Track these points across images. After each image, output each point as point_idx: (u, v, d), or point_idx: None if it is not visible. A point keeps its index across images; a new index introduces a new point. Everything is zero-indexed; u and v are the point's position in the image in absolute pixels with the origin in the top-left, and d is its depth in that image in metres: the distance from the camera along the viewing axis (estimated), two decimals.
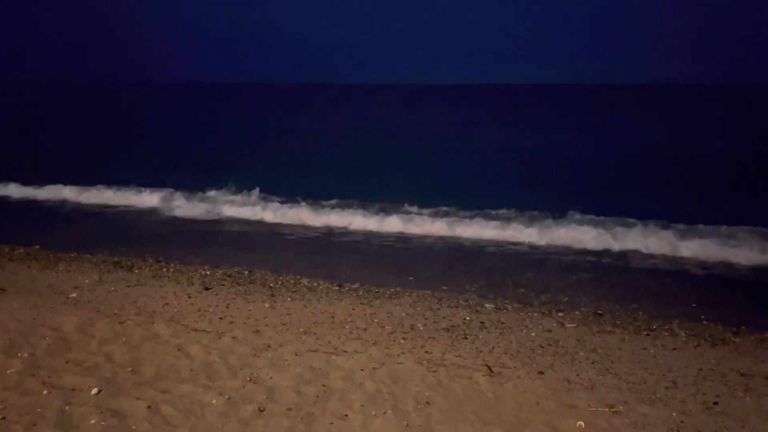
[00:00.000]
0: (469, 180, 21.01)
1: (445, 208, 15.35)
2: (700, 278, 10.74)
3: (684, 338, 7.63)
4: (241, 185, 17.29)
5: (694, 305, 9.09)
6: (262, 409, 4.74)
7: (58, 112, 62.33)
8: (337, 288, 9.51)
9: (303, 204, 15.66)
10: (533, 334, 7.48)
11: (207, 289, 8.95)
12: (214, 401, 4.80)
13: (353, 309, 8.23)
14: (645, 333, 7.78)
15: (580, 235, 12.68)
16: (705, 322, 8.37)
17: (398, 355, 6.24)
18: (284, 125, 46.42)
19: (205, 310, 7.75)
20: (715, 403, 5.59)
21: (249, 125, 47.33)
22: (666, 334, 7.79)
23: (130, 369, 5.32)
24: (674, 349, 7.19)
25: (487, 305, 8.80)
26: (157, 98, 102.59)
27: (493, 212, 14.83)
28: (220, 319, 7.40)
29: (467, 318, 8.05)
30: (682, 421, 5.08)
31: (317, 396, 5.04)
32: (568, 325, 8.00)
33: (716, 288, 10.21)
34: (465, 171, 23.18)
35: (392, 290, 9.47)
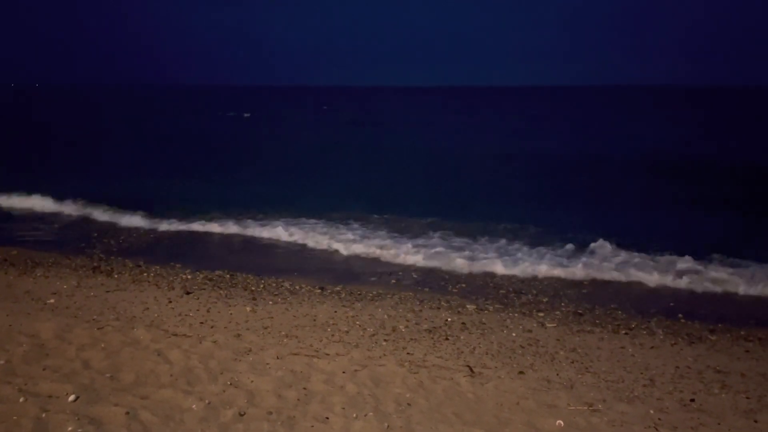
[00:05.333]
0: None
1: None
2: None
3: (662, 336, 7.74)
4: None
5: (671, 303, 9.23)
6: (242, 413, 4.72)
7: None
8: (319, 291, 9.50)
9: None
10: (514, 335, 7.54)
11: (188, 293, 8.89)
12: (193, 406, 4.77)
13: (335, 311, 8.23)
14: (624, 332, 7.88)
15: None
16: (682, 320, 8.50)
17: (380, 357, 6.25)
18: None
19: (186, 315, 7.70)
20: (692, 400, 5.68)
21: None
22: (644, 332, 7.90)
23: (108, 375, 5.26)
24: (652, 347, 7.29)
25: (468, 306, 8.85)
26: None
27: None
28: (201, 323, 7.36)
29: (449, 319, 8.08)
30: (659, 419, 5.15)
31: (298, 399, 5.03)
32: (548, 325, 8.07)
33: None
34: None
35: (374, 292, 9.48)
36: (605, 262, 11.00)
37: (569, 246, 11.88)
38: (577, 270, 10.69)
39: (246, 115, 61.37)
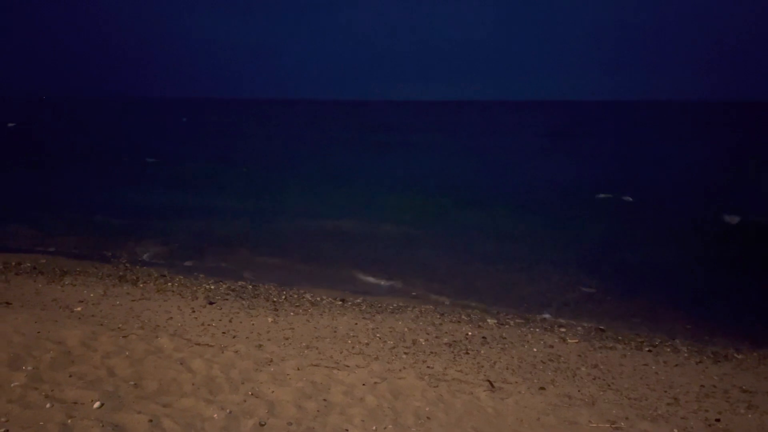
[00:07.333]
0: None
1: None
2: None
3: (686, 354, 7.61)
4: None
5: (697, 320, 9.07)
6: (263, 423, 4.76)
7: None
8: (340, 302, 9.53)
9: None
10: (535, 350, 7.48)
11: (211, 303, 9.00)
12: (215, 415, 4.82)
13: (356, 323, 8.25)
14: (647, 349, 7.77)
15: None
16: (707, 338, 8.35)
17: (399, 370, 6.25)
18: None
19: (209, 325, 7.79)
20: (717, 420, 5.57)
21: None
22: (668, 349, 7.78)
23: (132, 383, 5.35)
24: (676, 365, 7.17)
25: (489, 320, 8.80)
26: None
27: None
28: (223, 333, 7.44)
29: (469, 333, 8.05)
30: None
31: (318, 410, 5.05)
32: (569, 340, 7.99)
33: None
34: None
35: (395, 305, 9.49)
36: None
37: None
38: None
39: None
